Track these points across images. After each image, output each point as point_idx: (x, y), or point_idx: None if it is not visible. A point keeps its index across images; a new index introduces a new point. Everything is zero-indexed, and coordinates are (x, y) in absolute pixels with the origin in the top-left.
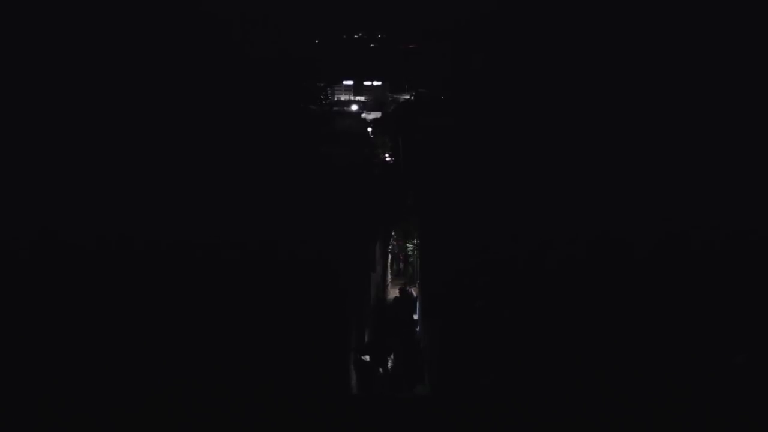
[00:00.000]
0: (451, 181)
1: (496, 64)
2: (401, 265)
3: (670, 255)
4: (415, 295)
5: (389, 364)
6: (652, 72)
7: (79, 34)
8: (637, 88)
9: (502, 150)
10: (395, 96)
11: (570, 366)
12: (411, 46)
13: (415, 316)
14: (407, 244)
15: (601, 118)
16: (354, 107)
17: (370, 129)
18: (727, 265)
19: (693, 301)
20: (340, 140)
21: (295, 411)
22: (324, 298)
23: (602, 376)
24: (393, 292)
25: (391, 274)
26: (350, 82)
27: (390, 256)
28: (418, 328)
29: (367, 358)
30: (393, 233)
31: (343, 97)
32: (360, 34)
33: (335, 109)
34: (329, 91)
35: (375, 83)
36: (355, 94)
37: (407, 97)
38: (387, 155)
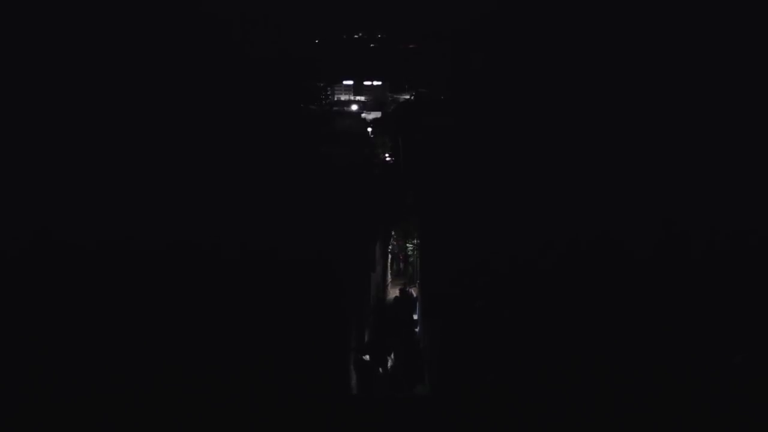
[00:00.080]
0: (451, 181)
1: (496, 64)
2: (401, 265)
3: (670, 255)
4: (415, 295)
5: (389, 364)
6: (653, 72)
7: (78, 34)
8: (637, 88)
9: (502, 150)
10: (395, 96)
11: (570, 366)
12: (411, 46)
13: (415, 316)
14: (407, 244)
15: (600, 118)
16: (354, 107)
17: (370, 129)
18: (726, 266)
19: (692, 301)
20: (340, 140)
21: (296, 411)
22: (324, 298)
23: (602, 376)
24: (393, 292)
25: (391, 274)
26: (350, 82)
27: (390, 256)
28: (418, 328)
29: (367, 358)
30: (393, 233)
31: (343, 97)
32: (360, 34)
33: (335, 109)
34: (329, 91)
35: (375, 83)
36: (355, 94)
37: (407, 97)
38: (387, 155)
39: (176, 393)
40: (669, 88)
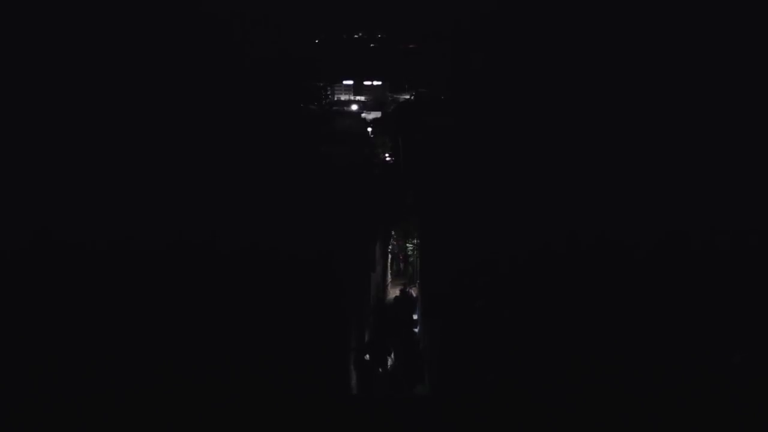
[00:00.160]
0: (451, 181)
1: (496, 64)
2: (401, 265)
3: (669, 255)
4: (414, 295)
5: (389, 364)
6: (652, 72)
7: (79, 34)
8: (637, 88)
9: (502, 150)
10: (395, 96)
11: (570, 365)
12: (411, 46)
13: (415, 316)
14: (407, 244)
15: (600, 118)
16: (354, 107)
17: (370, 129)
18: (725, 266)
19: (691, 301)
20: (340, 140)
21: (296, 410)
22: (324, 298)
23: (602, 376)
24: (393, 292)
25: (391, 274)
26: (350, 82)
27: (390, 256)
28: (417, 328)
29: (368, 357)
30: (393, 233)
31: (343, 97)
32: (360, 34)
33: (335, 108)
34: (329, 91)
35: (375, 83)
36: (355, 94)
37: (407, 97)
38: (387, 155)
39: (176, 392)
40: (669, 88)
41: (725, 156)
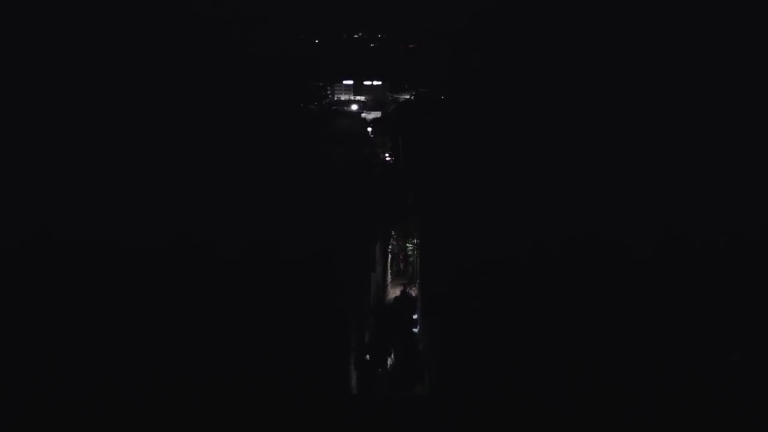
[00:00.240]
0: (451, 181)
1: (495, 64)
2: (401, 265)
3: (669, 255)
4: (414, 295)
5: (389, 364)
6: (652, 72)
7: (79, 34)
8: (637, 88)
9: (502, 150)
10: (395, 96)
11: (570, 365)
12: (411, 46)
13: (415, 316)
14: (407, 244)
15: (600, 118)
16: (354, 107)
17: (370, 129)
18: (724, 266)
19: (690, 300)
20: (340, 140)
21: (296, 410)
22: (324, 298)
23: (601, 375)
24: (393, 292)
25: (391, 274)
26: (350, 82)
27: (390, 256)
28: (417, 328)
29: (368, 357)
30: (393, 233)
31: (343, 97)
32: (360, 34)
33: (335, 108)
34: (329, 91)
35: (375, 83)
36: (355, 94)
37: (407, 97)
38: (387, 155)
39: (176, 391)
40: (669, 88)
41: (725, 156)
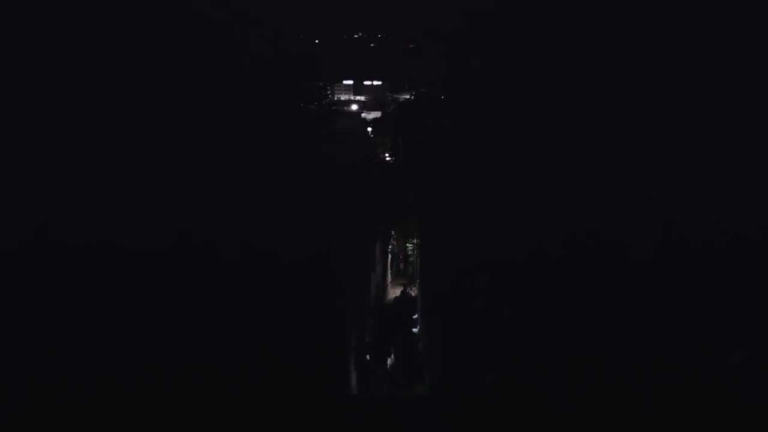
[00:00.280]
0: (451, 181)
1: (495, 64)
2: (401, 265)
3: (669, 255)
4: (414, 295)
5: (389, 364)
6: (652, 72)
7: (78, 33)
8: (637, 88)
9: (502, 150)
10: (395, 96)
11: (569, 366)
12: (411, 46)
13: (415, 316)
14: (407, 244)
15: (600, 118)
16: (354, 107)
17: (370, 129)
18: (724, 265)
19: (690, 300)
20: (340, 140)
21: (296, 411)
22: (324, 298)
23: (601, 376)
24: (393, 292)
25: (391, 274)
26: (350, 82)
27: (390, 256)
28: (417, 328)
29: (368, 357)
30: (393, 233)
31: (343, 97)
32: (360, 34)
33: (335, 108)
34: (329, 91)
35: (375, 83)
36: (355, 94)
37: (407, 97)
38: (387, 155)
39: (176, 392)
40: (669, 88)
41: (725, 156)
